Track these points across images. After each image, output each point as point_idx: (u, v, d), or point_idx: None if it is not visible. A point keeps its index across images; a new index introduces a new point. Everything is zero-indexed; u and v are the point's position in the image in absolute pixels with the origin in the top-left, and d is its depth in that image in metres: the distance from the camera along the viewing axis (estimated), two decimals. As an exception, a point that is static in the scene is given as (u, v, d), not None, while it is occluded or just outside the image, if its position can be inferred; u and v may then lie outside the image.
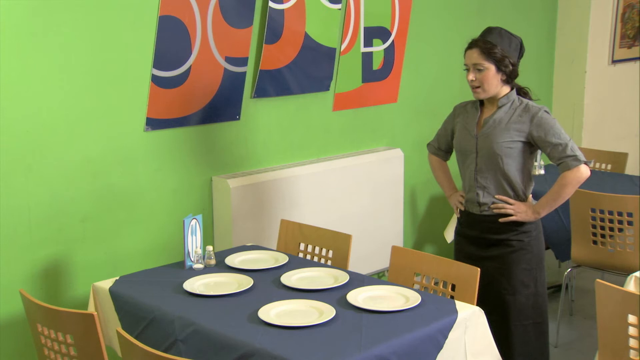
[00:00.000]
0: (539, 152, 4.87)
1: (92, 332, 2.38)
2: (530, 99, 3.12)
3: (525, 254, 3.06)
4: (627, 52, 6.18)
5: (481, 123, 3.08)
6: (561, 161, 2.98)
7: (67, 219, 3.36)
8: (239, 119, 3.93)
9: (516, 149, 3.00)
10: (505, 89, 3.04)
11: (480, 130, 3.06)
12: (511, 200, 3.05)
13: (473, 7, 5.21)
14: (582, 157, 2.97)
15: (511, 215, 3.03)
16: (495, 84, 2.99)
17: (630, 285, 2.89)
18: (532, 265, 3.09)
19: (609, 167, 5.13)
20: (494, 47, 2.96)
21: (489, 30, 3.03)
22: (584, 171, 2.98)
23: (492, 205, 3.06)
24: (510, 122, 3.00)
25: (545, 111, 3.01)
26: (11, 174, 3.17)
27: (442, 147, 3.34)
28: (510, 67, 2.99)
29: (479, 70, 2.98)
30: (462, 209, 3.16)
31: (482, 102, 3.12)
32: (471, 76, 3.01)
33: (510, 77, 3.02)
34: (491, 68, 2.97)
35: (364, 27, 4.45)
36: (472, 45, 3.02)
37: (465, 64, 3.05)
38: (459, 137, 3.16)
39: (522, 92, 3.12)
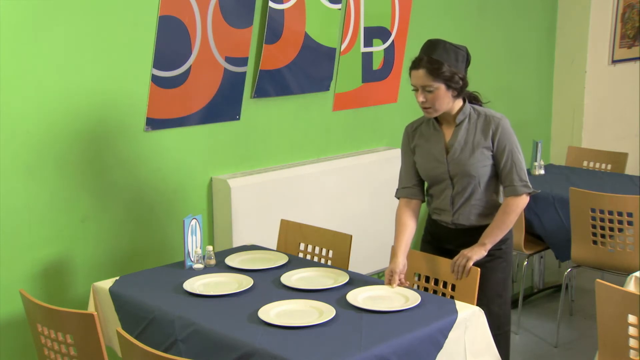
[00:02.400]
0: (539, 152, 4.90)
1: (92, 332, 2.38)
2: (481, 102, 3.03)
3: (502, 262, 2.96)
4: (627, 52, 6.18)
5: (447, 147, 2.92)
6: (511, 185, 2.87)
7: (67, 219, 3.36)
8: (239, 119, 3.93)
9: (489, 166, 2.90)
10: (458, 103, 2.89)
11: (448, 155, 2.91)
12: (457, 258, 2.87)
13: (473, 7, 5.21)
14: (530, 185, 2.88)
15: (467, 263, 2.85)
16: (447, 102, 2.83)
17: (630, 285, 2.89)
18: (506, 273, 2.99)
19: (609, 167, 5.13)
20: (442, 65, 2.77)
21: (432, 46, 2.82)
22: (527, 200, 2.88)
23: (453, 273, 2.88)
24: (476, 141, 2.88)
25: (506, 120, 2.91)
26: (11, 174, 3.17)
27: (414, 183, 3.04)
28: (460, 83, 2.82)
29: (429, 91, 2.79)
30: (393, 286, 2.76)
31: (437, 119, 2.96)
32: (421, 98, 2.81)
33: (461, 92, 2.86)
34: (441, 87, 2.79)
35: (364, 27, 4.45)
36: (418, 65, 2.80)
37: (412, 85, 2.84)
38: (424, 164, 2.97)
39: (473, 98, 3.00)
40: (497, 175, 2.93)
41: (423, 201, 3.07)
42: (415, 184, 3.04)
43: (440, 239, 3.05)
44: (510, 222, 2.88)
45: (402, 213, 3.00)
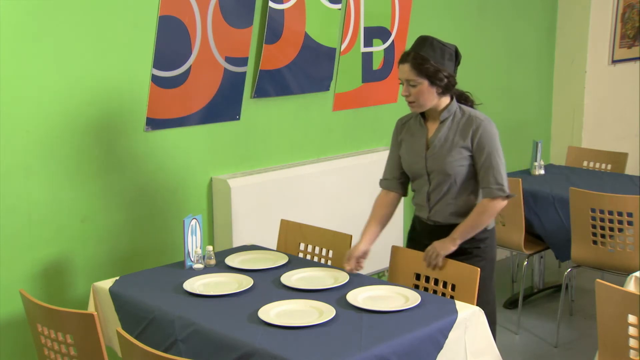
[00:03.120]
0: (539, 152, 4.90)
1: (92, 332, 2.38)
2: (472, 103, 3.04)
3: (480, 260, 2.96)
4: (627, 52, 6.18)
5: (428, 143, 2.97)
6: (488, 187, 2.90)
7: (67, 219, 3.36)
8: (239, 119, 3.93)
9: (467, 166, 2.92)
10: (445, 100, 2.92)
11: (428, 151, 2.96)
12: (428, 250, 2.94)
13: (473, 7, 5.21)
14: (507, 190, 2.90)
15: (438, 258, 2.91)
16: (430, 98, 2.87)
17: (630, 285, 2.89)
18: (485, 273, 2.98)
19: (609, 167, 5.13)
20: (426, 61, 2.81)
21: (420, 42, 2.87)
22: (503, 204, 2.92)
23: (427, 266, 2.94)
24: (456, 139, 2.90)
25: (489, 123, 2.92)
26: (11, 174, 3.17)
27: (396, 176, 3.11)
28: (445, 80, 2.85)
29: (412, 85, 2.85)
30: (346, 267, 2.92)
31: (424, 115, 3.00)
32: (404, 91, 2.87)
33: (446, 89, 2.89)
34: (424, 83, 2.83)
35: (364, 27, 4.45)
36: (404, 59, 2.86)
37: (399, 78, 2.91)
38: (407, 158, 3.03)
39: (462, 97, 3.02)
40: (476, 177, 2.95)
41: (404, 195, 3.15)
42: (397, 177, 3.11)
43: (421, 235, 3.10)
44: (482, 223, 2.93)
45: (378, 203, 3.13)
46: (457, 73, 2.95)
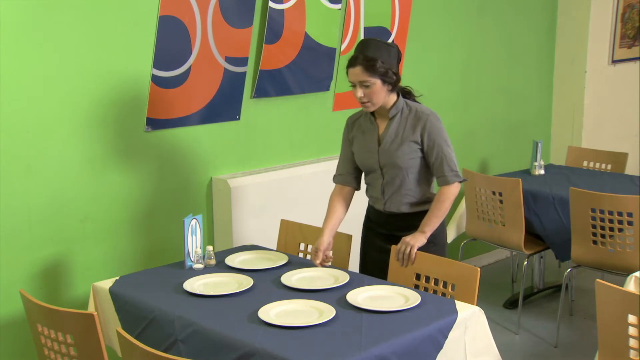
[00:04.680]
0: (539, 152, 4.91)
1: (92, 332, 2.38)
2: (414, 97, 3.19)
3: (432, 246, 3.10)
4: (627, 52, 6.18)
5: (379, 139, 3.11)
6: (442, 175, 3.05)
7: (67, 219, 3.36)
8: (239, 119, 3.93)
9: (417, 158, 3.08)
10: (393, 97, 3.08)
11: (380, 147, 3.10)
12: (400, 246, 3.04)
13: (473, 7, 5.21)
14: (460, 174, 3.08)
15: (411, 251, 3.02)
16: (383, 96, 3.02)
17: (630, 285, 2.89)
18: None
19: (609, 167, 5.13)
20: (376, 61, 2.95)
21: (366, 45, 3.01)
22: (458, 187, 3.08)
23: (400, 263, 3.05)
24: (405, 134, 3.06)
25: (434, 117, 3.07)
26: (11, 174, 3.17)
27: (349, 171, 3.25)
28: (394, 78, 3.02)
29: (366, 86, 2.98)
30: (317, 262, 3.05)
31: (373, 113, 3.15)
32: (359, 93, 3.00)
33: (394, 86, 3.05)
34: (377, 82, 2.98)
35: (364, 27, 4.45)
36: (354, 63, 2.99)
37: (350, 81, 3.02)
38: (360, 154, 3.18)
39: (405, 92, 3.18)
40: (427, 168, 3.11)
41: (357, 188, 3.28)
42: (350, 172, 3.26)
43: (377, 223, 3.24)
44: (445, 209, 3.08)
45: (333, 197, 3.26)
46: (400, 70, 3.12)
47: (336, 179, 3.30)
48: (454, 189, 3.07)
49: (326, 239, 3.11)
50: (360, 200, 4.49)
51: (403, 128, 3.08)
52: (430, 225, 3.05)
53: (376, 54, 2.96)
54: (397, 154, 3.07)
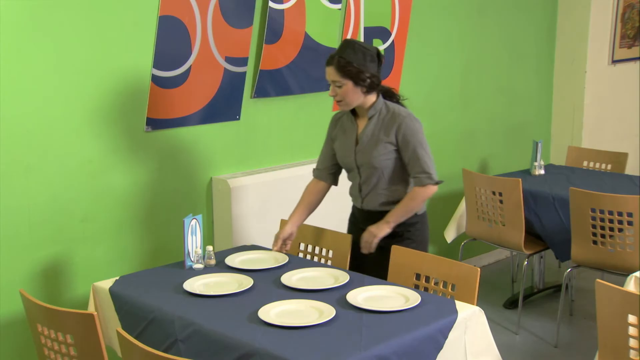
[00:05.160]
0: (539, 152, 4.91)
1: (92, 332, 2.38)
2: (397, 99, 3.22)
3: (411, 243, 3.15)
4: (627, 52, 6.18)
5: (357, 138, 3.17)
6: (416, 176, 3.11)
7: (67, 219, 3.36)
8: (239, 119, 3.93)
9: (392, 159, 3.12)
10: (371, 98, 3.12)
11: (357, 146, 3.17)
12: (364, 235, 3.15)
13: (473, 7, 5.21)
14: (435, 177, 3.11)
15: (374, 242, 3.13)
16: (356, 97, 3.07)
17: (630, 285, 2.89)
18: None
19: (609, 167, 5.13)
20: (349, 64, 3.01)
21: (344, 46, 3.07)
22: (433, 189, 3.13)
23: (363, 250, 3.17)
24: (381, 135, 3.11)
25: (410, 119, 3.10)
26: (11, 174, 3.17)
27: (326, 166, 3.33)
28: (368, 80, 3.05)
29: (338, 86, 3.05)
30: (274, 249, 3.22)
31: (354, 112, 3.20)
32: (332, 92, 3.08)
33: (371, 88, 3.08)
34: (348, 84, 3.03)
35: (364, 27, 4.45)
36: (329, 62, 3.07)
37: (326, 79, 3.10)
38: (340, 153, 3.25)
39: (389, 94, 3.21)
40: (404, 168, 3.15)
41: (334, 184, 3.37)
42: (327, 168, 3.34)
43: (358, 220, 3.32)
44: (413, 207, 3.14)
45: (307, 190, 3.36)
46: (380, 73, 3.12)
47: (314, 172, 3.38)
48: (427, 190, 3.11)
49: (288, 229, 3.23)
50: (360, 200, 4.47)
51: (379, 129, 3.12)
52: (394, 217, 3.12)
53: (351, 57, 3.02)
54: (372, 154, 3.12)
